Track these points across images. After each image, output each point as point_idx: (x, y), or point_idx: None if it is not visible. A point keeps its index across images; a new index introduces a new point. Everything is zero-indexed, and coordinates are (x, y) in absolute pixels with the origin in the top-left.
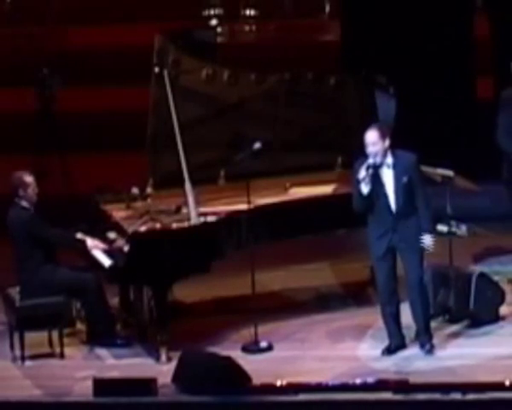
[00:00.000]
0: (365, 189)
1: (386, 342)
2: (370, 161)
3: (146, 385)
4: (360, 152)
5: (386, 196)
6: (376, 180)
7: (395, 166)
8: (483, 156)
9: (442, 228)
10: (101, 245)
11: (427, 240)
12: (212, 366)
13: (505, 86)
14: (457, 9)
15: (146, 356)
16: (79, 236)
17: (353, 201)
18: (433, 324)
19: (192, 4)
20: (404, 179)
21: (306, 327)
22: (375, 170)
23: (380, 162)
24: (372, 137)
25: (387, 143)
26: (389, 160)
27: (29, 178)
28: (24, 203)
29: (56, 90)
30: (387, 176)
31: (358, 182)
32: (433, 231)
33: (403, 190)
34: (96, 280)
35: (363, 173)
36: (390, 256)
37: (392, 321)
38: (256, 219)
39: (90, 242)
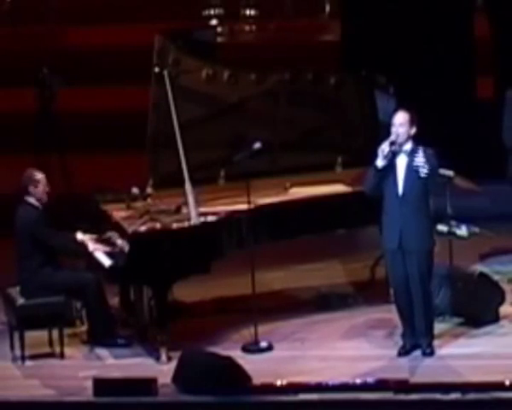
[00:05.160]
0: (381, 162)
1: (386, 343)
2: (393, 137)
3: (146, 385)
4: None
5: (395, 181)
6: (391, 163)
7: (411, 155)
8: (483, 156)
9: (442, 228)
10: (102, 248)
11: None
12: (212, 366)
13: (508, 86)
14: (457, 9)
15: (146, 356)
16: (79, 236)
17: (364, 182)
18: None
19: (192, 4)
20: (416, 168)
21: (306, 327)
22: (394, 152)
23: (400, 145)
24: (400, 118)
25: (413, 130)
26: (408, 147)
27: (40, 176)
28: (33, 200)
29: (56, 90)
30: (401, 162)
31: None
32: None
33: (413, 178)
34: (96, 280)
35: (385, 147)
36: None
37: (407, 318)
38: (256, 219)
39: (92, 246)
